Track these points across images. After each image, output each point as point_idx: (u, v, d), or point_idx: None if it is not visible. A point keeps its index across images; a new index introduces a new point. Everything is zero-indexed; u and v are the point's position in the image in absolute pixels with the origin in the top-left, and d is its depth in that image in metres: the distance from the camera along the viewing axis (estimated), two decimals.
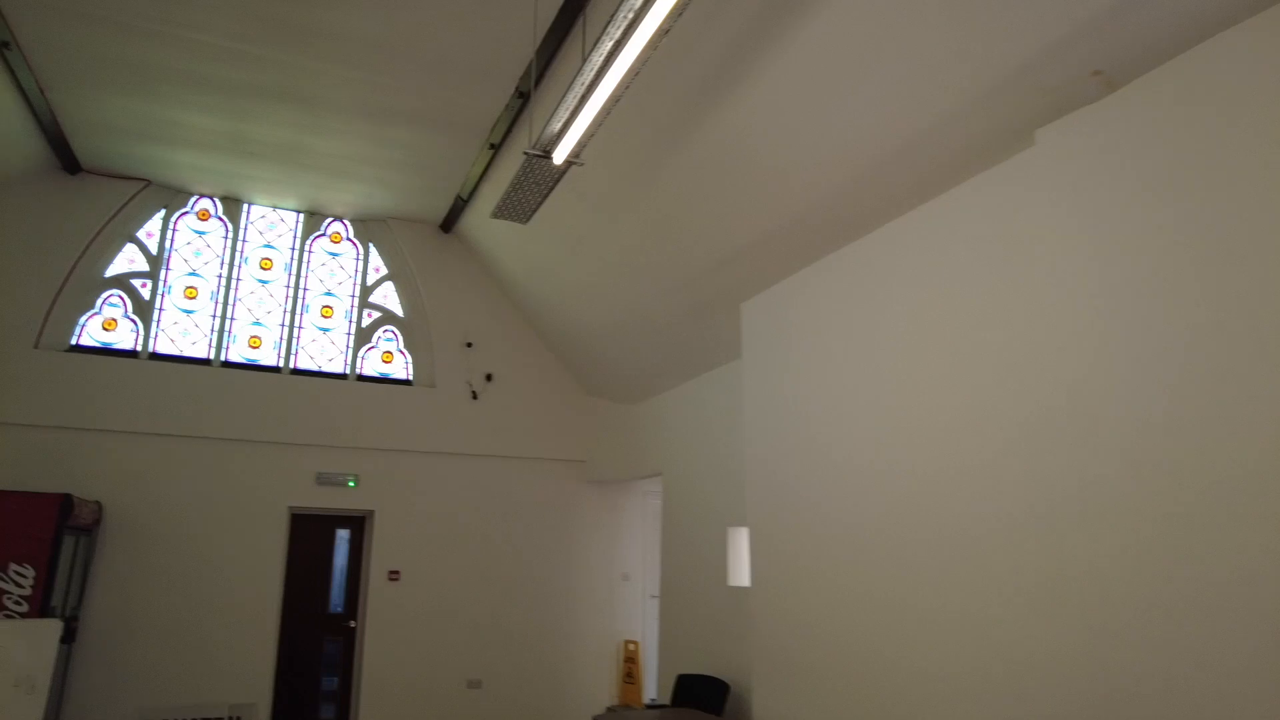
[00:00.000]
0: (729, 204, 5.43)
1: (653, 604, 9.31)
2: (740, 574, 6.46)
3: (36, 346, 7.38)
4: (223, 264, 8.31)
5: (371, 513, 8.27)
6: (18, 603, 5.94)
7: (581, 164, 4.32)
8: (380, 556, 8.12)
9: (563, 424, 9.20)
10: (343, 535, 8.28)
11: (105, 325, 7.76)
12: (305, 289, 8.56)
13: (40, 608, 5.99)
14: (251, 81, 6.14)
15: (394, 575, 8.11)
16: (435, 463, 8.54)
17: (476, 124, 6.67)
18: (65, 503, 6.18)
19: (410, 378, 8.75)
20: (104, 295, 7.81)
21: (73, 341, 7.60)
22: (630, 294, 7.27)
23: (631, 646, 8.95)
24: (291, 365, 8.30)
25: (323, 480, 8.02)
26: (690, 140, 5.16)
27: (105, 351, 7.64)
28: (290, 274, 8.54)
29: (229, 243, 8.37)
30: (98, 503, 7.15)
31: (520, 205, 4.84)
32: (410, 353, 8.81)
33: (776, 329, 5.75)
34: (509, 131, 6.64)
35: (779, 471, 5.54)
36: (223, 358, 8.07)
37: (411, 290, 8.92)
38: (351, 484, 8.14)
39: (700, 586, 7.02)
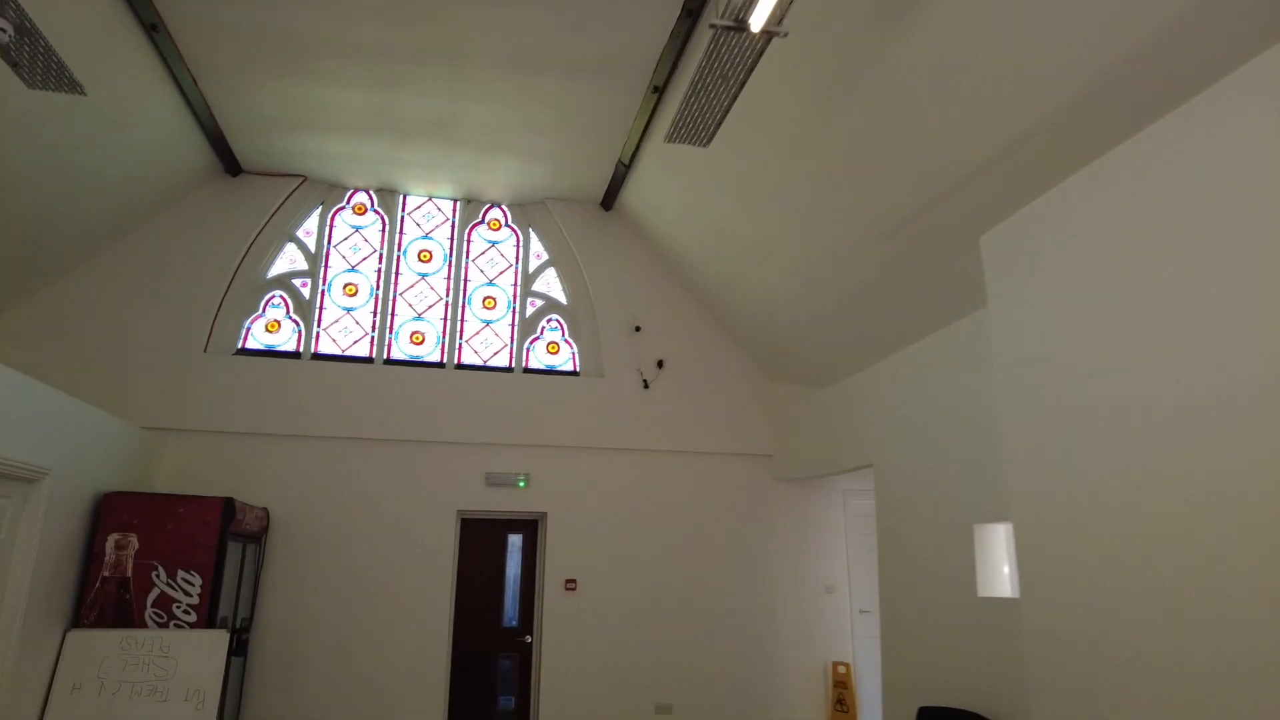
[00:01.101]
0: (955, 113, 4.19)
1: (863, 620, 8.00)
2: (997, 582, 5.10)
3: (205, 351, 7.22)
4: (381, 258, 7.93)
5: (544, 515, 7.54)
6: (186, 612, 5.59)
7: (784, 34, 3.27)
8: (555, 564, 7.37)
9: (745, 414, 8.13)
10: (515, 541, 7.60)
11: (269, 327, 7.54)
12: (466, 280, 8.04)
13: (207, 617, 5.62)
14: (397, 41, 5.58)
15: (570, 585, 7.33)
16: (608, 460, 7.71)
17: (638, 61, 5.79)
18: (227, 507, 5.81)
19: (577, 368, 8.00)
20: (266, 296, 7.60)
21: (239, 345, 7.41)
22: (821, 248, 6.12)
23: (842, 669, 7.69)
24: (455, 360, 7.77)
25: (492, 481, 7.38)
26: (900, 35, 3.98)
27: (269, 354, 7.39)
28: (450, 265, 8.04)
29: (386, 236, 7.99)
30: (265, 509, 6.83)
31: (702, 115, 3.86)
32: (576, 341, 8.07)
33: (1035, 262, 4.41)
34: (675, 65, 5.70)
35: (1051, 448, 4.18)
36: (385, 355, 7.65)
37: (574, 275, 8.19)
38: (521, 484, 7.46)
39: (934, 599, 5.70)
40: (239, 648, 6.07)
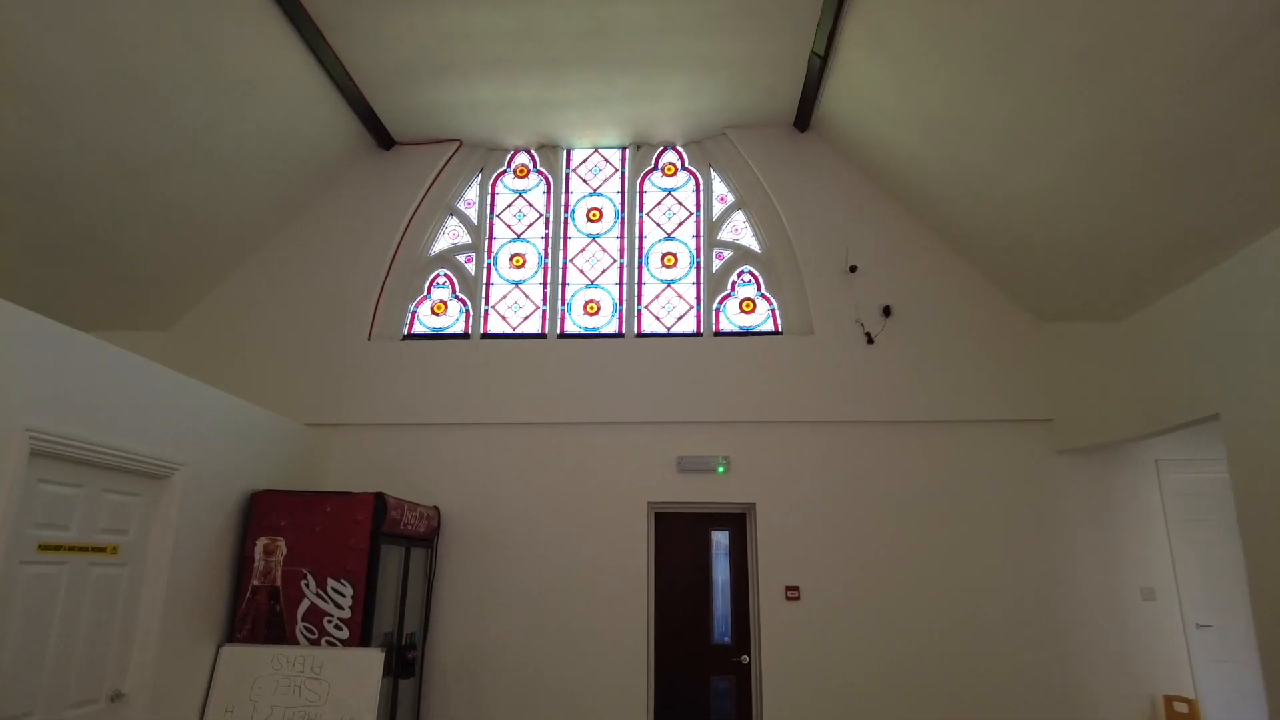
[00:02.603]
0: None
1: (1203, 637, 5.79)
2: None
3: (369, 339, 6.63)
4: (547, 223, 6.99)
5: (751, 507, 6.15)
6: (338, 626, 4.83)
7: None
8: (771, 566, 5.94)
9: (1008, 368, 6.23)
10: (720, 539, 6.27)
11: (435, 309, 6.83)
12: (641, 237, 6.89)
13: (361, 633, 4.82)
14: None
15: (792, 593, 5.86)
16: (828, 437, 6.16)
17: None
18: (378, 504, 5.01)
19: (779, 327, 6.54)
20: (431, 276, 6.91)
21: (405, 331, 6.76)
22: (1106, 114, 4.25)
23: (1181, 706, 5.54)
24: (635, 329, 6.62)
25: (685, 467, 6.12)
26: None
27: (437, 337, 6.66)
28: (622, 221, 6.94)
29: (552, 197, 7.04)
30: (435, 508, 6.04)
31: None
32: (775, 295, 6.62)
33: None
34: None
35: None
36: (558, 330, 6.67)
37: (767, 216, 6.76)
38: (720, 469, 6.12)
39: None
40: (404, 668, 5.25)
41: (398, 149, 7.04)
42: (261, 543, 5.00)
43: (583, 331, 6.65)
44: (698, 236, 6.85)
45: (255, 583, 4.94)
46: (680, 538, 6.23)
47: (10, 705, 3.45)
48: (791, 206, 6.64)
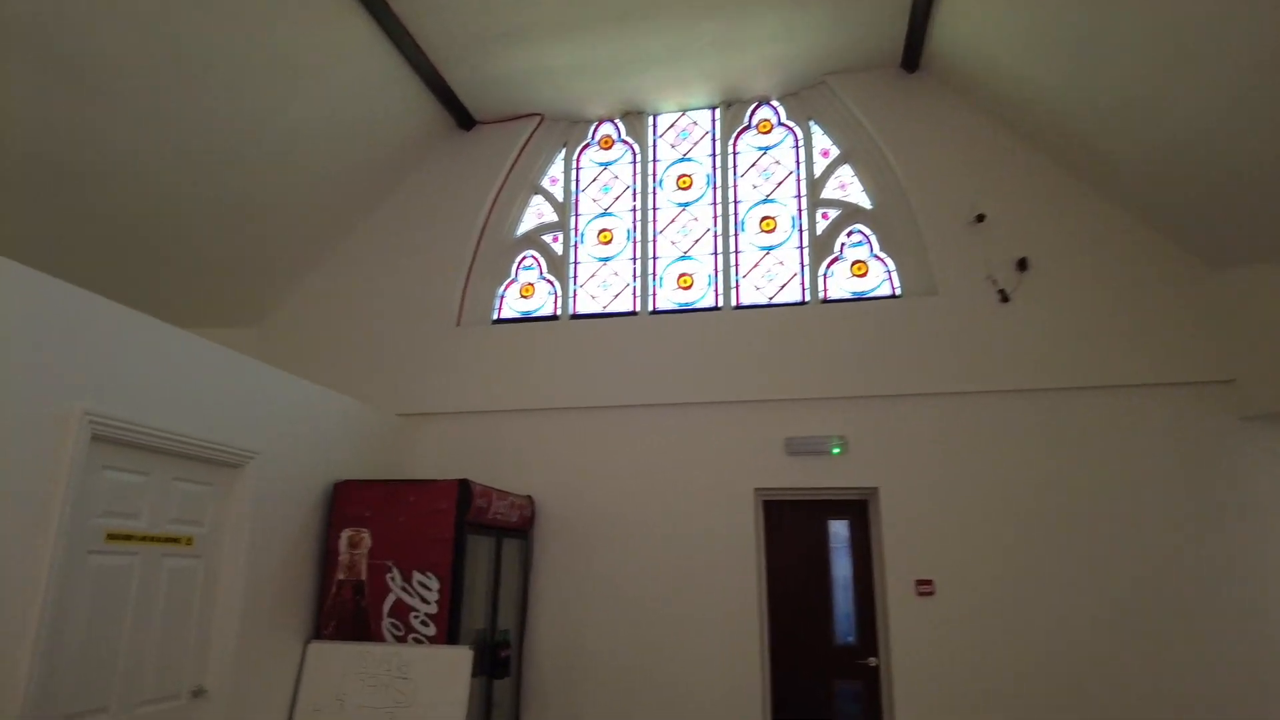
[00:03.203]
0: None
1: None
2: None
3: (458, 325, 6.38)
4: (635, 194, 6.55)
5: (874, 492, 5.48)
6: (424, 622, 4.53)
7: None
8: (899, 558, 5.26)
9: (1174, 322, 5.30)
10: (838, 529, 5.63)
11: (523, 292, 6.52)
12: (736, 201, 6.35)
13: (448, 630, 4.50)
14: None
15: (925, 587, 5.17)
16: (957, 408, 5.43)
17: None
18: (462, 491, 4.69)
19: (896, 289, 5.85)
20: (518, 258, 6.60)
21: (494, 315, 6.48)
22: None
23: None
24: (733, 302, 6.09)
25: (795, 449, 5.53)
26: None
27: (526, 320, 6.34)
28: (715, 186, 6.42)
29: (639, 166, 6.60)
30: (529, 498, 5.69)
31: None
32: (891, 255, 5.93)
33: None
34: None
35: None
36: (650, 307, 6.22)
37: (878, 167, 6.08)
38: (836, 449, 5.49)
39: None
40: (498, 668, 4.91)
41: (479, 129, 6.79)
42: (346, 535, 4.77)
43: (677, 307, 6.17)
44: (799, 197, 6.25)
45: (340, 577, 4.72)
46: (793, 528, 5.64)
47: (80, 699, 3.28)
48: (905, 155, 5.94)
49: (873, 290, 5.89)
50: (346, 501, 4.83)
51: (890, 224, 5.95)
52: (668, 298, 6.22)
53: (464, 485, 4.70)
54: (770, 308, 5.89)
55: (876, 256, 5.97)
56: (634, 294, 6.28)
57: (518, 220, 6.68)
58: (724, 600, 5.35)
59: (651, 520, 5.59)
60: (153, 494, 3.71)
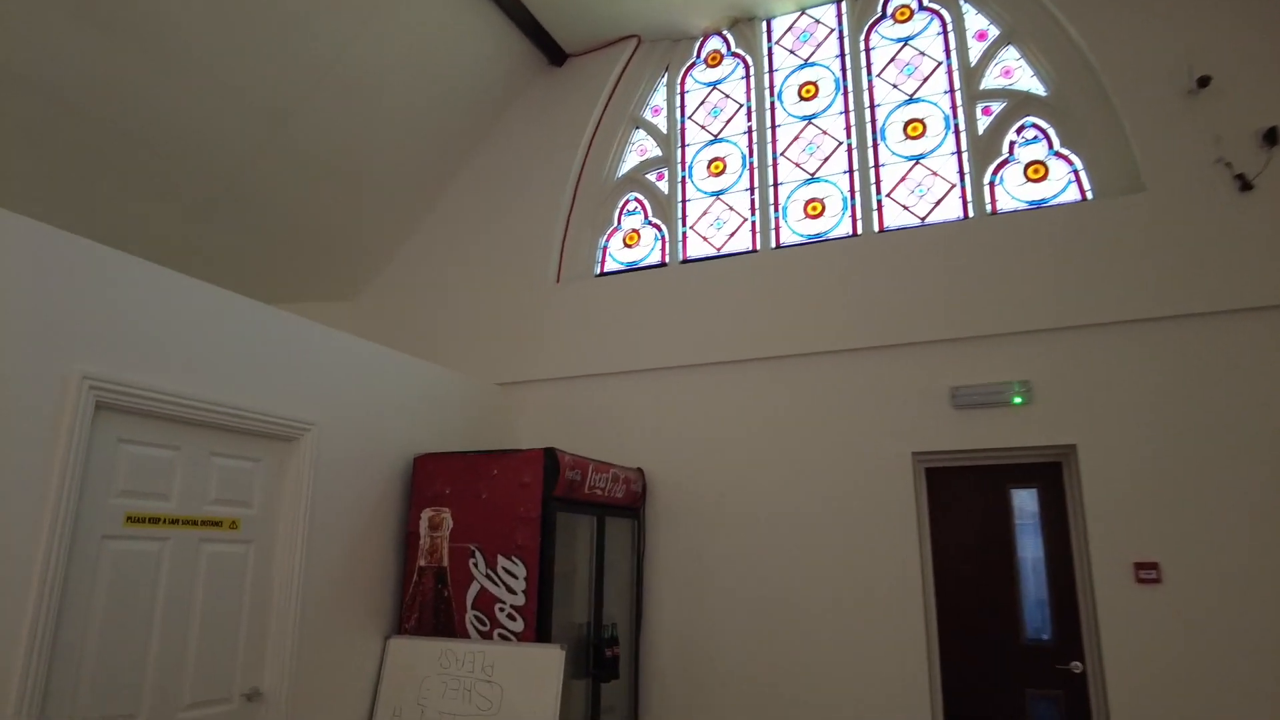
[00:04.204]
0: None
1: None
2: None
3: (558, 282, 5.70)
4: (750, 113, 5.59)
5: (1070, 451, 4.27)
6: (510, 616, 3.87)
7: None
8: (1108, 535, 4.04)
9: None
10: (1023, 500, 4.45)
11: (627, 240, 5.74)
12: (873, 106, 5.25)
13: (537, 624, 3.81)
14: None
15: (1147, 572, 3.92)
16: (1177, 336, 4.09)
17: None
18: (549, 462, 3.98)
19: (1087, 191, 4.56)
20: (620, 203, 5.83)
21: (597, 269, 5.75)
22: None
23: None
24: (875, 225, 5.01)
25: (964, 400, 4.41)
26: None
27: (632, 271, 5.56)
28: (845, 91, 5.34)
29: (753, 80, 5.64)
30: (639, 471, 4.92)
31: None
32: (1077, 149, 4.64)
33: None
34: None
35: None
36: (773, 242, 5.26)
37: (1053, 41, 4.79)
38: (1018, 399, 4.32)
39: None
40: (604, 669, 4.18)
41: (570, 63, 6.07)
42: (426, 515, 4.21)
43: (805, 239, 5.17)
44: (951, 92, 5.06)
45: (421, 563, 4.15)
46: (963, 499, 4.52)
47: (101, 705, 2.85)
48: (1089, 19, 4.62)
49: (1055, 196, 4.63)
50: (425, 477, 4.26)
51: (1074, 110, 4.65)
52: (794, 229, 5.24)
53: (549, 454, 3.99)
54: (923, 229, 4.77)
55: (1058, 154, 4.69)
56: (753, 229, 5.34)
57: (618, 160, 5.91)
58: (880, 589, 4.34)
59: (787, 494, 4.66)
60: (186, 472, 3.25)
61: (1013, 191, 4.74)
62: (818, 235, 5.15)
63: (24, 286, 2.71)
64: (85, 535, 2.87)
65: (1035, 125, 4.79)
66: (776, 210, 5.31)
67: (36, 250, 2.76)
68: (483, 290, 5.84)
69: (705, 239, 5.47)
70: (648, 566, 4.84)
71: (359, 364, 4.10)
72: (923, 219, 4.91)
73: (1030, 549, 4.38)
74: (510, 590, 3.88)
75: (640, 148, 5.88)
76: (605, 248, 5.77)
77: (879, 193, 5.07)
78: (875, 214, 5.03)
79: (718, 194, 5.53)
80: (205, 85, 4.65)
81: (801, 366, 4.80)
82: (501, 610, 3.88)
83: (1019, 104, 4.85)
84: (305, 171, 5.41)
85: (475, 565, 4.00)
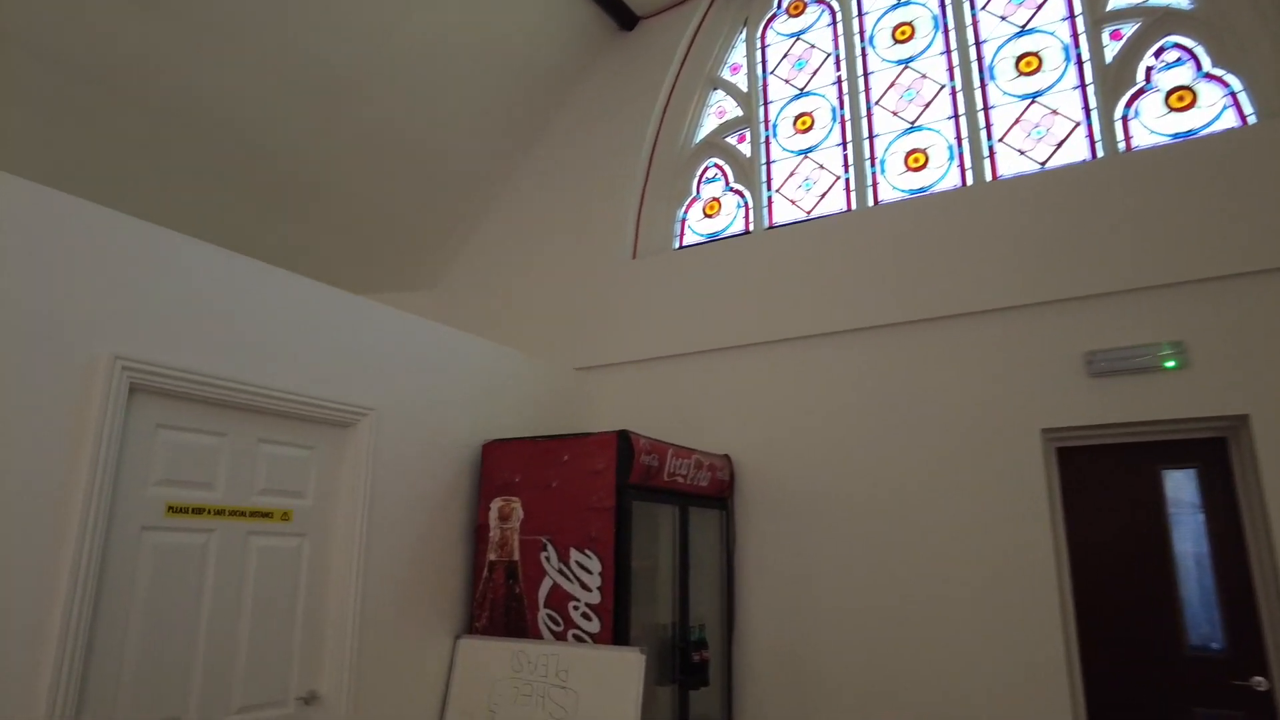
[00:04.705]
0: None
1: None
2: None
3: (634, 257, 5.34)
4: (838, 61, 5.07)
5: (1239, 425, 3.58)
6: (585, 615, 3.51)
7: None
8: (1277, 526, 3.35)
9: None
10: (1178, 483, 3.77)
11: (707, 209, 5.32)
12: (979, 42, 4.65)
13: (614, 624, 3.44)
14: None
15: None
16: None
17: None
18: (622, 445, 3.61)
19: (1246, 116, 3.84)
20: (699, 170, 5.41)
21: (676, 243, 5.35)
22: None
23: None
24: (987, 174, 4.42)
25: (1102, 367, 3.78)
26: None
27: (715, 242, 5.12)
28: (946, 28, 4.76)
29: (840, 27, 5.11)
30: (725, 456, 4.49)
31: None
32: (1235, 68, 3.93)
33: None
34: None
35: None
36: (869, 199, 4.74)
37: None
38: (1170, 363, 3.65)
39: None
40: (692, 675, 3.77)
41: (642, 25, 5.70)
42: (495, 505, 3.90)
43: (906, 195, 4.62)
44: (1071, 18, 4.41)
45: (491, 557, 3.85)
46: (1104, 484, 3.87)
47: (144, 707, 2.65)
48: None
49: (1206, 126, 3.93)
50: (494, 464, 3.96)
51: (1226, 20, 3.94)
52: (893, 184, 4.69)
53: (623, 437, 3.61)
54: (1044, 174, 4.15)
55: (1208, 75, 3.99)
56: (847, 187, 4.83)
57: (695, 125, 5.49)
58: (1008, 589, 3.77)
59: (896, 481, 4.13)
60: (232, 459, 3.04)
61: (1152, 125, 4.06)
62: (921, 189, 4.59)
63: (47, 261, 2.53)
64: (122, 526, 2.67)
65: (1178, 46, 4.10)
66: (873, 165, 4.78)
67: (60, 222, 2.58)
68: (558, 271, 5.54)
69: (793, 202, 4.99)
70: (739, 561, 4.41)
71: (421, 346, 3.84)
72: (1042, 163, 4.29)
73: (1189, 541, 3.71)
74: (585, 587, 3.53)
75: (719, 109, 5.44)
76: (684, 219, 5.37)
77: (990, 138, 4.47)
78: (987, 161, 4.43)
79: (806, 152, 5.03)
80: (259, 64, 4.50)
81: (908, 336, 4.26)
82: (576, 609, 3.53)
83: (1156, 22, 4.16)
84: (371, 154, 5.23)
85: (547, 559, 3.67)
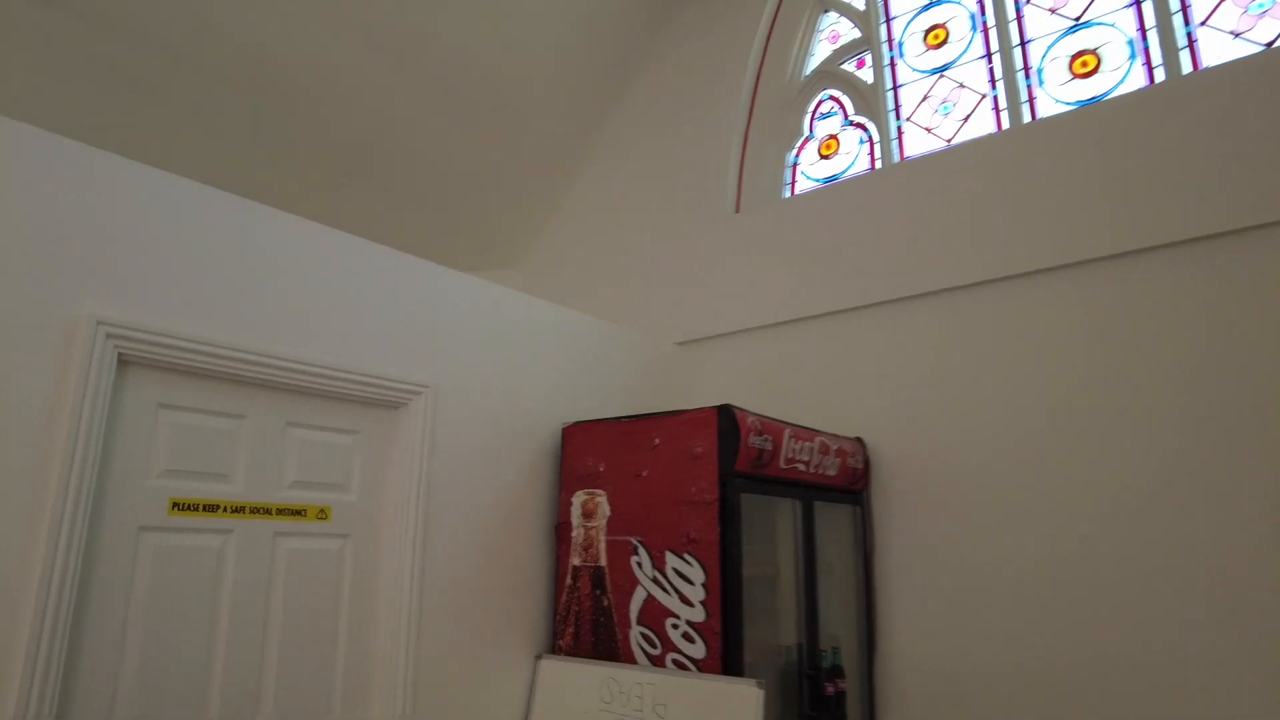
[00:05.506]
0: None
1: None
2: None
3: (738, 211, 4.61)
4: None
5: None
6: (687, 636, 2.82)
7: None
8: None
9: None
10: None
11: (823, 149, 4.53)
12: None
13: (722, 648, 2.73)
14: None
15: None
16: None
17: None
18: (725, 423, 2.89)
19: None
20: (811, 106, 4.63)
21: (786, 191, 4.59)
22: None
23: None
24: (1184, 66, 3.44)
25: None
26: None
27: (834, 185, 4.33)
28: None
29: None
30: (857, 440, 3.70)
31: None
32: None
33: None
34: None
35: None
36: (1026, 115, 3.83)
37: None
38: None
39: None
40: (825, 709, 3.01)
41: None
42: (578, 500, 3.27)
43: (1072, 106, 3.68)
44: None
45: (575, 561, 3.22)
46: None
47: None
48: None
49: None
50: (574, 452, 3.33)
51: None
52: (1053, 96, 3.77)
53: (725, 414, 2.90)
54: (1269, 53, 3.14)
55: None
56: (994, 105, 3.93)
57: (804, 54, 4.71)
58: (1233, 599, 2.81)
59: (1090, 467, 3.23)
60: (253, 446, 2.53)
61: None
62: (1094, 98, 3.65)
63: (3, 205, 2.07)
64: (113, 528, 2.20)
65: None
66: (1027, 75, 3.86)
67: (25, 161, 2.12)
68: (652, 235, 4.88)
69: (929, 130, 4.13)
70: (879, 568, 3.60)
71: (486, 314, 3.26)
72: (1268, 44, 3.27)
73: None
74: (685, 600, 2.84)
75: (831, 34, 4.64)
76: (795, 164, 4.60)
77: (1188, 22, 3.48)
78: (1183, 53, 3.45)
79: (941, 70, 4.16)
80: (324, 19, 4.06)
81: (1089, 281, 3.34)
82: (675, 627, 2.84)
83: None
84: (448, 113, 4.73)
85: (639, 565, 3.00)
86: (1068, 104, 3.72)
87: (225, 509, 2.44)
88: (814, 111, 4.59)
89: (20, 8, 3.50)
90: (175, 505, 2.33)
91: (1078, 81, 3.72)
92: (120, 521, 2.21)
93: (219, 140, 4.30)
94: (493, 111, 4.85)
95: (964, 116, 4.02)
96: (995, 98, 3.94)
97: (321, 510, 2.67)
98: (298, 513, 2.61)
